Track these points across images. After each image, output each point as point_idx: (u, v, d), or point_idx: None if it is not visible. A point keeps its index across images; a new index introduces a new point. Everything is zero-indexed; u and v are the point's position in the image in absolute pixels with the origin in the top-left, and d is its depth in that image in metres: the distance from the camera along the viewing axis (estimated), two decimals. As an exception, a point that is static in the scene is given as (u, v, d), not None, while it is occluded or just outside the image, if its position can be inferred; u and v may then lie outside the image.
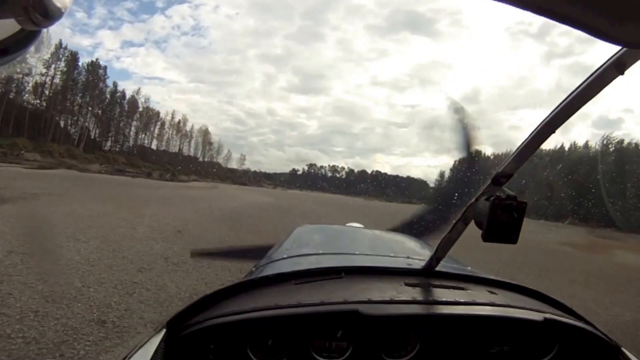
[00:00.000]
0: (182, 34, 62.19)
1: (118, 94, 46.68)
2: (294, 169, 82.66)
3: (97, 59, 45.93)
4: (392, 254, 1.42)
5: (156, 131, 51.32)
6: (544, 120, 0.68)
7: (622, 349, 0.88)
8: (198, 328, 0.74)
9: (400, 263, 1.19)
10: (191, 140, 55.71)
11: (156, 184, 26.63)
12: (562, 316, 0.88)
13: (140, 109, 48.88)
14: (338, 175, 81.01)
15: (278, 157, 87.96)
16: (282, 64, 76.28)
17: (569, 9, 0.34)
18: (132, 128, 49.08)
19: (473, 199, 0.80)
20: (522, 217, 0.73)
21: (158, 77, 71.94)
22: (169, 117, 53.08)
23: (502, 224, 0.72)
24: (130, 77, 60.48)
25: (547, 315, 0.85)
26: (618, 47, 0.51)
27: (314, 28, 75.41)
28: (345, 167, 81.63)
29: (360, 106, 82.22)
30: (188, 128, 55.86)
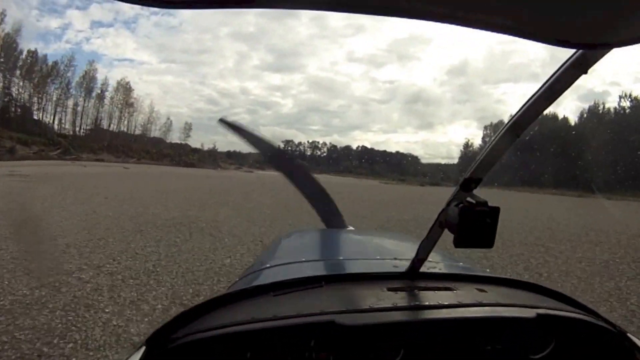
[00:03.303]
0: (152, 14, 59.95)
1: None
2: (268, 148, 70.01)
3: None
4: (378, 257, 1.38)
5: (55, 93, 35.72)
6: (509, 122, 0.69)
7: (628, 334, 0.87)
8: (177, 344, 0.76)
9: (385, 266, 1.15)
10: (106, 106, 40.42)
11: None
12: (558, 309, 0.88)
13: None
14: (319, 153, 69.22)
15: (253, 137, 78.99)
16: (254, 42, 74.34)
17: (519, 22, 0.33)
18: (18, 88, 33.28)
19: (445, 204, 0.79)
20: (496, 222, 0.73)
21: (128, 58, 70.52)
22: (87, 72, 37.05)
23: (474, 230, 0.72)
24: (100, 60, 57.95)
25: (540, 311, 0.84)
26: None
27: (287, 4, 67.00)
28: (327, 143, 70.55)
29: (337, 83, 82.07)
30: (103, 85, 40.22)
